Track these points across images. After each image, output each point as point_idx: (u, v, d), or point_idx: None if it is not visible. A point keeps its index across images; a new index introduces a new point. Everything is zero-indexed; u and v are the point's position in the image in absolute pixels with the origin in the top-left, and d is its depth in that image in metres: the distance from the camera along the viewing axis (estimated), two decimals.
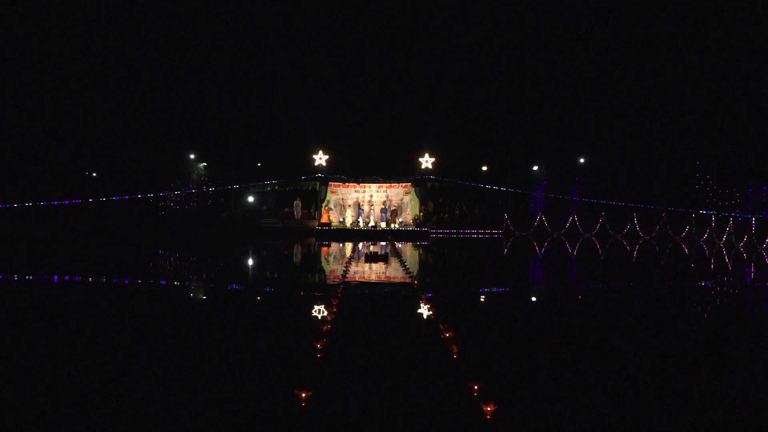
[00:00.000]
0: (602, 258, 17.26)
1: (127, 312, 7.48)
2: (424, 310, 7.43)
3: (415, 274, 11.44)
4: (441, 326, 6.10)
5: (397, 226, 27.75)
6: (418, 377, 4.67)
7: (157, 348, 5.51)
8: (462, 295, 9.60)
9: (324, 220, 28.63)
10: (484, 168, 32.94)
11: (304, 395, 4.05)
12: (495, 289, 10.30)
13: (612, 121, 34.84)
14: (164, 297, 9.12)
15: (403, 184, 29.93)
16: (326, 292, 9.24)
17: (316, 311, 7.42)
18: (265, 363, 5.00)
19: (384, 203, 28.88)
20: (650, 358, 5.36)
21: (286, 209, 29.37)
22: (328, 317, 6.62)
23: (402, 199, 30.00)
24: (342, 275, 10.50)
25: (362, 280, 10.82)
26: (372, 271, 12.13)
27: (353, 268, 12.16)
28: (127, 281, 10.53)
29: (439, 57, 38.00)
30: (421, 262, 15.84)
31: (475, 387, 4.23)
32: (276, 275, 12.60)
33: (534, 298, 9.47)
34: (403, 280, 10.74)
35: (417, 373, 4.77)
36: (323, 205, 29.18)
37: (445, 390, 4.36)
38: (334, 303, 7.43)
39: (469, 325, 6.75)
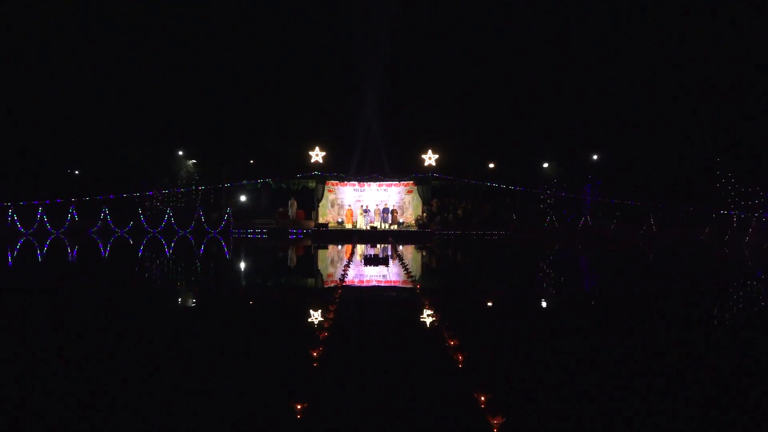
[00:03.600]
0: (616, 261, 17.22)
1: (113, 322, 7.45)
2: (427, 317, 7.41)
3: (417, 278, 11.41)
4: (445, 333, 6.08)
5: (398, 227, 27.75)
6: (421, 388, 4.64)
7: (140, 359, 5.48)
8: (468, 300, 9.57)
9: (321, 220, 28.63)
10: (491, 165, 32.90)
11: (299, 407, 4.03)
12: (503, 295, 10.27)
13: (627, 115, 34.78)
14: (145, 305, 9.09)
15: (405, 183, 29.93)
16: (323, 297, 9.21)
17: (312, 318, 7.39)
18: (258, 373, 4.98)
19: (384, 202, 28.87)
20: (668, 369, 5.33)
21: (280, 209, 29.37)
22: (325, 324, 6.60)
23: (403, 199, 30.00)
24: (340, 279, 10.48)
25: (361, 284, 10.80)
26: (372, 275, 12.10)
27: (352, 271, 12.14)
28: (103, 287, 10.50)
29: (443, 47, 37.90)
30: (424, 266, 15.81)
31: (482, 398, 4.20)
32: (268, 280, 12.56)
33: (544, 304, 9.44)
34: (404, 285, 10.71)
35: (419, 384, 4.75)
36: (320, 204, 29.21)
37: (450, 402, 4.33)
38: (332, 309, 7.40)
39: (475, 333, 6.72)
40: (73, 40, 33.37)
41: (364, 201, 29.07)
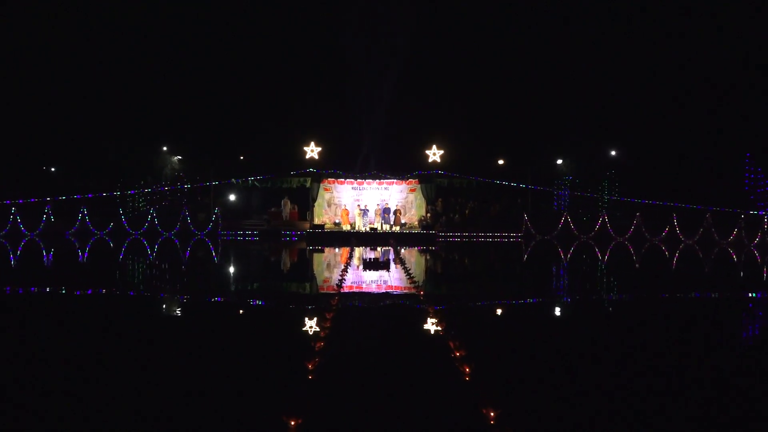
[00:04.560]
0: (637, 266, 17.20)
1: (90, 335, 7.46)
2: (432, 326, 7.39)
3: (420, 283, 11.40)
4: (451, 344, 6.08)
5: (399, 228, 27.75)
6: (424, 403, 4.64)
7: (120, 374, 5.48)
8: (475, 309, 9.55)
9: (316, 221, 28.62)
10: (501, 161, 32.91)
11: (293, 423, 4.03)
12: (514, 302, 10.25)
13: (648, 107, 34.76)
14: (125, 316, 9.10)
15: (408, 181, 29.93)
16: (318, 306, 9.20)
17: (307, 327, 7.39)
18: (248, 387, 4.97)
19: (385, 202, 28.88)
20: (693, 385, 5.32)
21: (272, 209, 29.36)
22: (321, 334, 6.59)
23: (406, 198, 29.99)
24: (337, 285, 10.47)
25: (360, 290, 10.80)
26: (371, 281, 12.09)
27: (350, 276, 12.13)
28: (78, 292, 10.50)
29: (449, 35, 37.87)
30: (428, 270, 15.80)
31: (491, 414, 4.20)
32: (259, 287, 12.55)
33: (558, 313, 9.42)
34: (407, 291, 10.72)
35: (423, 398, 4.74)
36: (315, 203, 29.21)
37: (456, 418, 4.33)
38: (328, 317, 7.40)
39: (483, 344, 6.71)
40: (47, 29, 33.41)
41: (363, 200, 29.06)
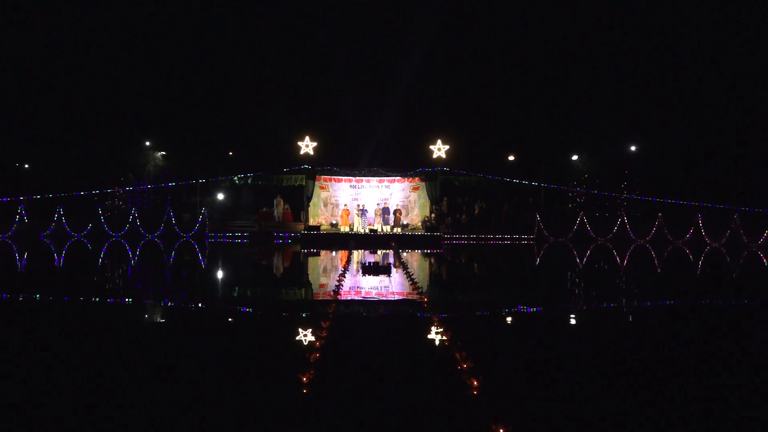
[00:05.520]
0: (659, 271, 17.18)
1: (66, 349, 7.45)
2: (437, 335, 7.38)
3: (424, 290, 11.39)
4: (458, 355, 6.06)
5: (401, 230, 27.75)
6: (428, 420, 4.62)
7: (100, 387, 5.47)
8: (483, 317, 9.54)
9: (312, 222, 28.63)
10: (511, 157, 32.90)
11: None
12: (525, 310, 10.24)
13: (671, 98, 34.75)
14: (104, 325, 9.09)
15: (410, 178, 29.94)
16: (313, 315, 9.19)
17: (301, 337, 7.37)
18: (236, 405, 4.96)
19: (386, 201, 28.88)
20: (729, 408, 5.30)
21: (264, 209, 29.37)
22: (317, 344, 6.58)
23: (408, 197, 30.00)
24: (334, 292, 10.47)
25: (359, 297, 10.79)
26: (371, 287, 12.09)
27: (348, 282, 12.13)
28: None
29: (456, 21, 37.80)
30: (433, 276, 15.79)
31: (500, 431, 4.18)
32: (249, 295, 12.55)
33: (574, 321, 9.40)
34: (409, 298, 10.71)
35: (426, 414, 4.73)
36: (310, 203, 29.21)
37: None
38: (324, 326, 7.38)
39: (492, 356, 6.69)
40: (18, 16, 33.41)
41: (361, 199, 29.06)
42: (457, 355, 6.09)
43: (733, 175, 30.59)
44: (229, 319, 9.24)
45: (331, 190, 29.99)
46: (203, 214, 27.67)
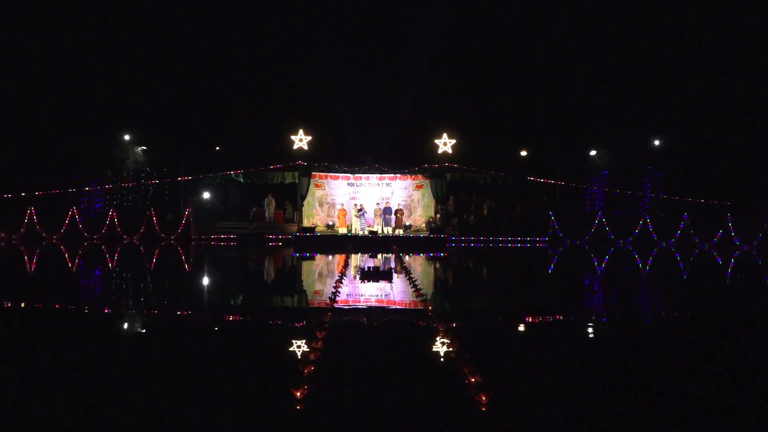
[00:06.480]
0: (685, 276, 17.14)
1: (39, 366, 7.40)
2: (442, 347, 7.34)
3: (428, 297, 11.36)
4: (465, 369, 6.02)
5: (404, 231, 27.72)
6: None
7: (79, 407, 5.40)
8: (493, 327, 9.50)
9: (306, 223, 28.61)
10: (524, 153, 32.86)
11: None
12: (538, 320, 10.20)
13: (698, 89, 34.64)
14: (79, 338, 9.05)
15: (414, 176, 29.94)
16: (309, 322, 9.17)
17: (294, 348, 7.32)
18: (225, 421, 4.89)
19: (387, 201, 28.84)
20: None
21: (254, 209, 29.40)
22: (312, 356, 6.54)
23: (411, 196, 29.99)
24: (330, 299, 10.43)
25: (357, 305, 10.77)
26: (371, 295, 12.07)
27: (345, 289, 12.11)
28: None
29: (463, 5, 37.76)
30: (438, 282, 15.76)
31: None
32: (237, 302, 12.54)
33: (592, 333, 9.34)
34: (412, 307, 10.65)
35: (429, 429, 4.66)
36: (304, 202, 29.19)
37: None
38: (320, 336, 7.35)
39: (502, 371, 6.63)
40: None
41: (360, 199, 29.04)
42: (465, 369, 6.04)
43: (766, 173, 30.49)
44: (216, 329, 9.20)
45: (327, 188, 29.99)
46: (188, 215, 27.68)
